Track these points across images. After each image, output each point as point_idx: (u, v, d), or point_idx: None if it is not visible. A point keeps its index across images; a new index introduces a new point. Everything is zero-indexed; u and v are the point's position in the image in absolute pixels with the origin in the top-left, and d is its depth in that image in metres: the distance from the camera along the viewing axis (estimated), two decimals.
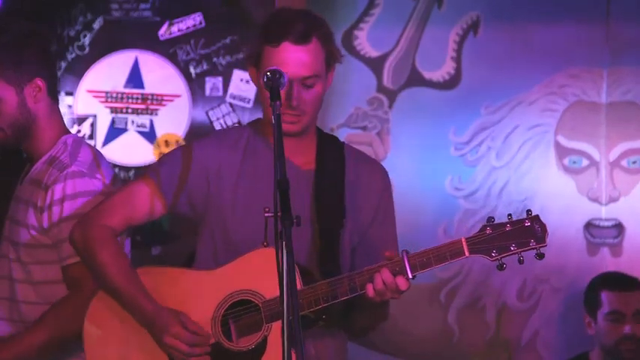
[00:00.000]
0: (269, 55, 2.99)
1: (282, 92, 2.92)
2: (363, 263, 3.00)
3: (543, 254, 2.88)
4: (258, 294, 2.94)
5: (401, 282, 2.86)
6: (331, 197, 3.05)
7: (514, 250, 2.87)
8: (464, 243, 2.88)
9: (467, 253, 2.88)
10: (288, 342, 2.49)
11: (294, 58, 2.97)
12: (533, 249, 2.88)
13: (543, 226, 2.89)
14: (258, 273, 2.94)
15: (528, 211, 2.91)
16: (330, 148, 3.13)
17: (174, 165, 3.10)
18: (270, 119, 2.97)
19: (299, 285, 2.85)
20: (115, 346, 3.07)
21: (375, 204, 3.14)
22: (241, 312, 2.97)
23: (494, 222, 2.90)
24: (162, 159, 3.18)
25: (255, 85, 3.13)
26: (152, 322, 2.97)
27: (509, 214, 2.92)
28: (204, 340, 2.95)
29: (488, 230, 2.89)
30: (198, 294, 3.00)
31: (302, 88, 2.98)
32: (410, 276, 2.87)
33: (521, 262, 2.89)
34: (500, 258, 2.88)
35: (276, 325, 2.91)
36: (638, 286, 4.68)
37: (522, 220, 2.89)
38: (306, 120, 3.01)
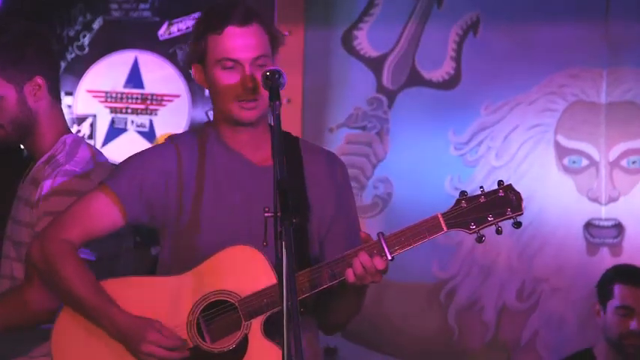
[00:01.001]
0: (214, 44, 2.95)
1: (238, 78, 2.92)
2: (333, 254, 2.96)
3: (520, 223, 2.84)
4: (232, 293, 2.88)
5: (377, 262, 2.81)
6: (294, 193, 2.92)
7: (492, 220, 2.83)
8: (440, 218, 2.83)
9: (445, 228, 2.83)
10: (287, 339, 2.49)
11: (240, 41, 2.93)
12: (510, 218, 2.84)
13: (518, 195, 2.85)
14: (230, 272, 2.89)
15: (500, 182, 2.87)
16: (286, 143, 3.01)
17: (133, 173, 3.02)
18: (228, 115, 2.97)
19: (275, 279, 2.82)
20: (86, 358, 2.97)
21: (338, 195, 3.08)
22: (217, 313, 2.90)
23: (468, 195, 2.86)
24: (120, 167, 3.08)
25: (201, 83, 3.06)
26: (125, 332, 2.89)
27: (482, 187, 2.87)
28: (182, 344, 2.87)
29: (464, 204, 2.84)
30: (169, 299, 2.92)
31: (255, 69, 2.92)
32: (389, 257, 2.82)
33: (499, 232, 2.86)
34: (479, 230, 2.84)
35: (256, 322, 2.85)
36: None
37: (496, 191, 2.85)
38: (263, 105, 2.91)
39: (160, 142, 3.18)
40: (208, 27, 2.97)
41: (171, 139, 3.10)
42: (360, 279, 2.84)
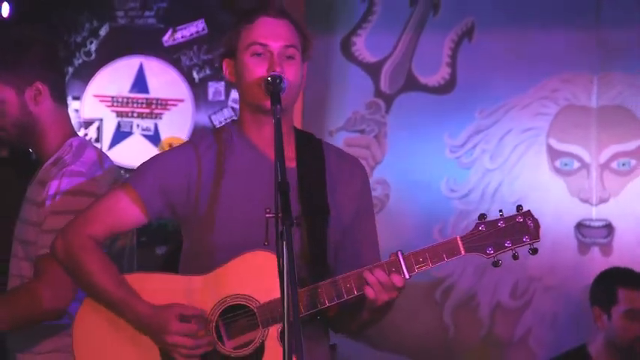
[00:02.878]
0: (247, 33, 2.91)
1: (266, 65, 2.87)
2: (348, 258, 2.96)
3: (537, 249, 2.79)
4: (251, 298, 2.82)
5: (396, 279, 2.76)
6: (315, 195, 2.95)
7: (509, 246, 2.78)
8: (459, 242, 2.79)
9: (463, 252, 2.79)
10: (288, 344, 2.46)
11: (271, 29, 2.90)
12: (527, 244, 2.79)
13: (536, 221, 2.81)
14: (250, 276, 2.83)
15: (519, 207, 2.82)
16: (309, 145, 3.02)
17: (155, 174, 2.97)
18: (253, 103, 2.91)
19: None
20: (107, 351, 2.93)
21: (357, 200, 3.02)
22: (236, 317, 2.84)
23: (487, 219, 2.81)
24: (144, 166, 3.02)
25: (230, 78, 3.00)
26: (149, 323, 2.85)
27: (500, 210, 2.82)
28: (204, 327, 2.84)
29: (482, 228, 2.80)
30: (190, 299, 2.86)
31: (283, 60, 2.87)
32: (407, 276, 2.77)
33: (515, 257, 2.80)
34: (496, 255, 2.79)
35: (273, 330, 2.80)
36: None
37: (515, 216, 2.81)
38: (288, 96, 2.85)
39: (179, 144, 3.13)
40: (243, 18, 2.95)
41: (191, 141, 3.06)
42: (378, 294, 2.78)
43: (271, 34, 2.90)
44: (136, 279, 2.95)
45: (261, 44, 2.89)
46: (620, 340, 4.48)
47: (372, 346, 5.28)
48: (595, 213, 5.20)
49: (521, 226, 2.81)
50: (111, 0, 5.56)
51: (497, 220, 2.82)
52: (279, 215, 2.55)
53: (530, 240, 2.80)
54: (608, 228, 5.19)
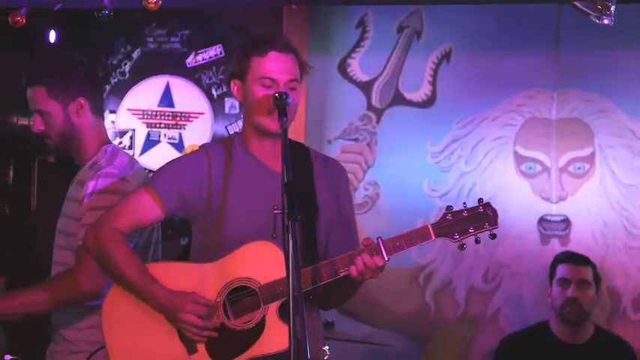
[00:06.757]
0: (257, 64, 2.94)
1: (270, 96, 2.89)
2: (338, 243, 3.00)
3: (495, 235, 2.86)
4: (254, 280, 2.86)
5: (377, 260, 2.82)
6: (306, 197, 2.98)
7: (472, 232, 2.85)
8: (430, 228, 2.85)
9: (433, 237, 2.85)
10: (293, 317, 2.50)
11: (281, 64, 2.93)
12: (487, 230, 2.86)
13: (494, 211, 2.87)
14: (253, 263, 2.88)
15: (480, 200, 2.89)
16: (299, 153, 3.05)
17: (172, 176, 3.01)
18: (259, 126, 2.96)
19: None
20: (131, 328, 2.96)
21: (342, 196, 3.08)
22: (240, 296, 2.89)
23: (453, 210, 2.88)
24: (162, 170, 3.06)
25: (237, 97, 3.03)
26: (166, 304, 2.89)
27: (464, 203, 2.90)
28: (215, 312, 2.87)
29: (449, 217, 2.86)
30: (201, 283, 2.90)
31: (287, 90, 2.91)
32: (386, 258, 2.82)
33: (477, 241, 2.87)
34: (461, 239, 2.86)
35: (272, 306, 2.84)
36: (584, 263, 4.68)
37: (476, 207, 2.88)
38: (290, 113, 2.88)
39: (192, 151, 3.14)
40: (253, 50, 2.97)
41: (203, 147, 3.08)
42: (362, 274, 2.84)
43: (280, 69, 2.93)
44: (158, 267, 2.99)
45: (271, 79, 2.92)
46: (556, 304, 4.64)
47: (365, 323, 5.28)
48: (555, 209, 5.20)
49: (482, 215, 2.87)
50: (142, 28, 5.57)
51: (462, 210, 2.88)
52: (286, 211, 2.59)
53: (490, 226, 2.87)
54: (566, 222, 5.19)
